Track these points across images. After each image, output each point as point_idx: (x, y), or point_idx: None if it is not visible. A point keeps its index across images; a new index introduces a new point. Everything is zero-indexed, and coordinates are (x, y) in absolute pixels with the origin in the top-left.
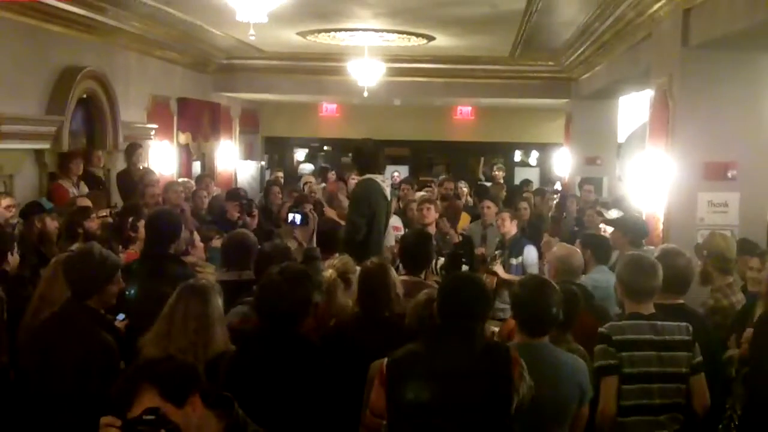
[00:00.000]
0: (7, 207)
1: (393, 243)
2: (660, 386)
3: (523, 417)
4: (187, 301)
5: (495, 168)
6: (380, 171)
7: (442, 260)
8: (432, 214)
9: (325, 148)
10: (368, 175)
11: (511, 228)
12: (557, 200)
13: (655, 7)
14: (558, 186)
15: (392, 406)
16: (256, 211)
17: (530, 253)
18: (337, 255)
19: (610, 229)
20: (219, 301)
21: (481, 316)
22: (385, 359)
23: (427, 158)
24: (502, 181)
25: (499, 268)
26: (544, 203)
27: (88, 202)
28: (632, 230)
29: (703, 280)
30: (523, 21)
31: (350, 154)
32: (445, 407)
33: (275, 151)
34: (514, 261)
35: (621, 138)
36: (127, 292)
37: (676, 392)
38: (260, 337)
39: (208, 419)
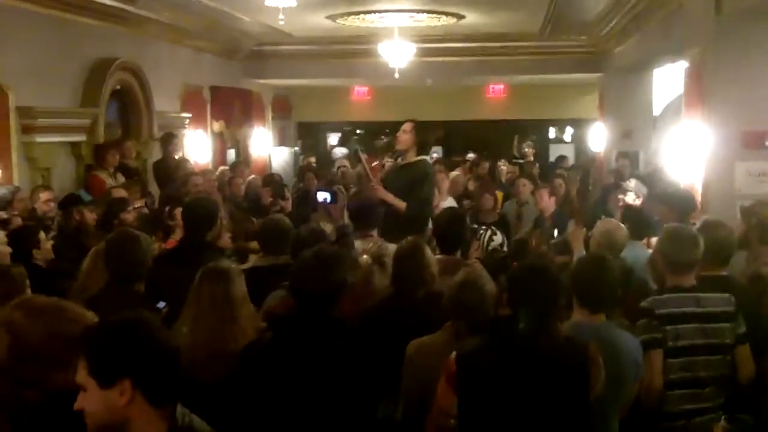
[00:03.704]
0: (46, 201)
1: None
2: (705, 359)
3: None
4: (210, 282)
5: (525, 146)
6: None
7: (497, 238)
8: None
9: (358, 131)
10: (423, 157)
11: (549, 204)
12: (580, 175)
13: None
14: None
15: (464, 404)
16: (288, 195)
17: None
18: (374, 233)
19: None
20: (242, 283)
21: (556, 308)
22: (453, 354)
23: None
24: (532, 158)
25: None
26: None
27: (123, 193)
28: (680, 205)
29: (741, 244)
30: None
31: (388, 135)
32: (520, 405)
33: (308, 136)
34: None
35: (657, 111)
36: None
37: (721, 364)
38: (297, 320)
39: (148, 415)
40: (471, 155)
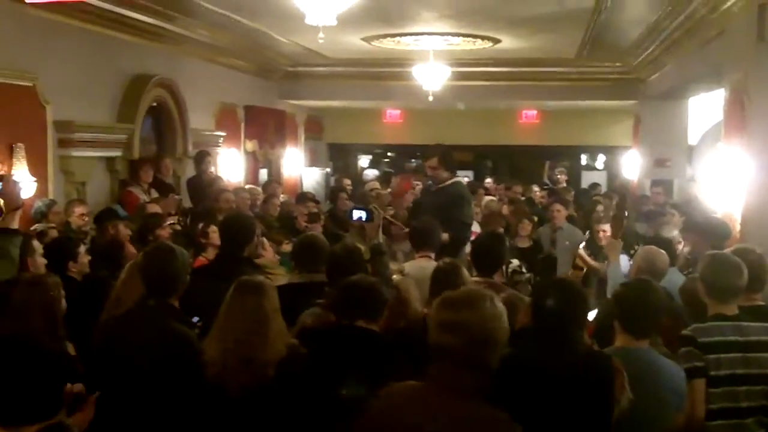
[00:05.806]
0: (80, 215)
1: None
2: (746, 389)
3: (622, 425)
4: (243, 295)
5: (558, 171)
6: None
7: (514, 263)
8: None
9: (389, 154)
10: (457, 178)
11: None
12: (617, 200)
13: (729, 3)
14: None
15: None
16: (321, 219)
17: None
18: (432, 255)
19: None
20: (275, 297)
21: (580, 322)
22: None
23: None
24: (565, 184)
25: (584, 254)
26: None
27: (157, 209)
28: (714, 233)
29: None
30: (591, 19)
31: (419, 159)
32: (542, 414)
33: (339, 157)
34: None
35: (691, 139)
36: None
37: (762, 395)
38: (335, 333)
39: None
40: (489, 181)
